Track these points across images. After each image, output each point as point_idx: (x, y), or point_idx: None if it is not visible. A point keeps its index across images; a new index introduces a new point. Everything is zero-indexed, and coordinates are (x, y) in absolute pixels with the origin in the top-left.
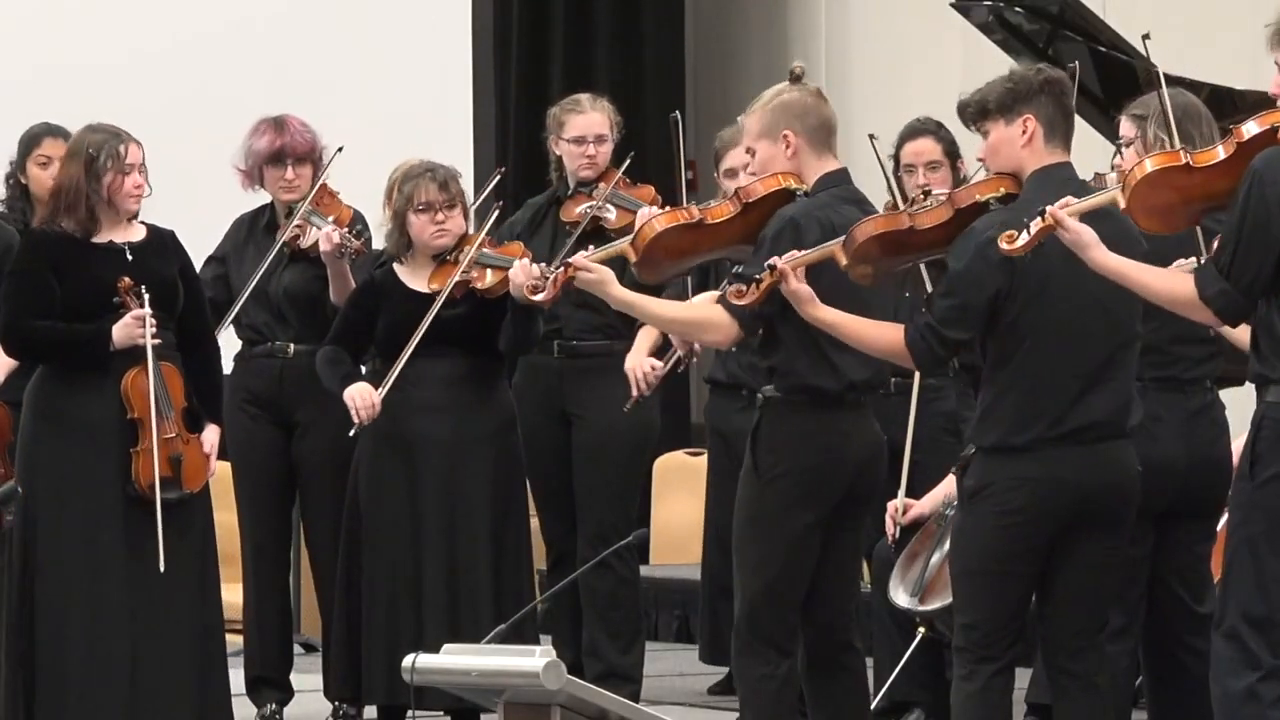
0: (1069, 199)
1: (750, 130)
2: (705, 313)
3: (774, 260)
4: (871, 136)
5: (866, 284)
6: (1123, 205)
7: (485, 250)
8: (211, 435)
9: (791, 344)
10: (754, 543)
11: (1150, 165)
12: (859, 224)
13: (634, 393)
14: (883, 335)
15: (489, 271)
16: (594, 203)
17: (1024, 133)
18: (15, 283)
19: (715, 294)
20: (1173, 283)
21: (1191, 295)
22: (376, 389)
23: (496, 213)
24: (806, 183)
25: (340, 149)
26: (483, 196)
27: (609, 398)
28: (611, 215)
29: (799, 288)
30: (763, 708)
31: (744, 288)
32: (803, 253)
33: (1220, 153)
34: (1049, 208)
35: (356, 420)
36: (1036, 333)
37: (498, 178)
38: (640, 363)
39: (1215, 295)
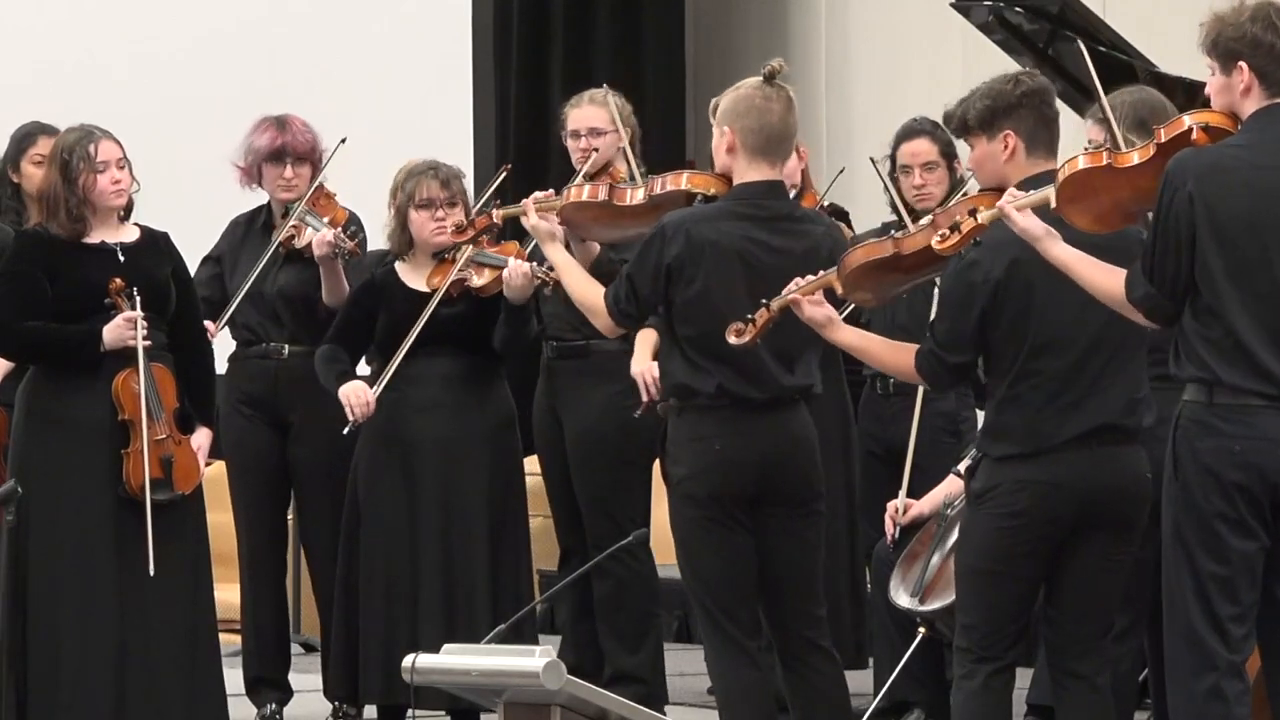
0: (1015, 192)
1: None
2: (595, 300)
3: (791, 297)
4: (873, 160)
5: (869, 306)
6: (1053, 204)
7: (482, 249)
8: (201, 438)
9: (666, 342)
10: (683, 551)
11: (1075, 166)
12: (847, 253)
13: (644, 398)
14: (901, 358)
15: (485, 270)
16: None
17: (1005, 148)
18: (6, 284)
19: None
20: (1112, 282)
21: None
22: (372, 387)
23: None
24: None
25: (343, 140)
26: (486, 195)
27: (588, 400)
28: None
29: (814, 312)
30: (736, 707)
31: (741, 326)
32: (799, 284)
33: (1136, 156)
34: (1000, 201)
35: (351, 418)
36: (1029, 344)
37: (504, 175)
38: (648, 368)
39: (1141, 298)
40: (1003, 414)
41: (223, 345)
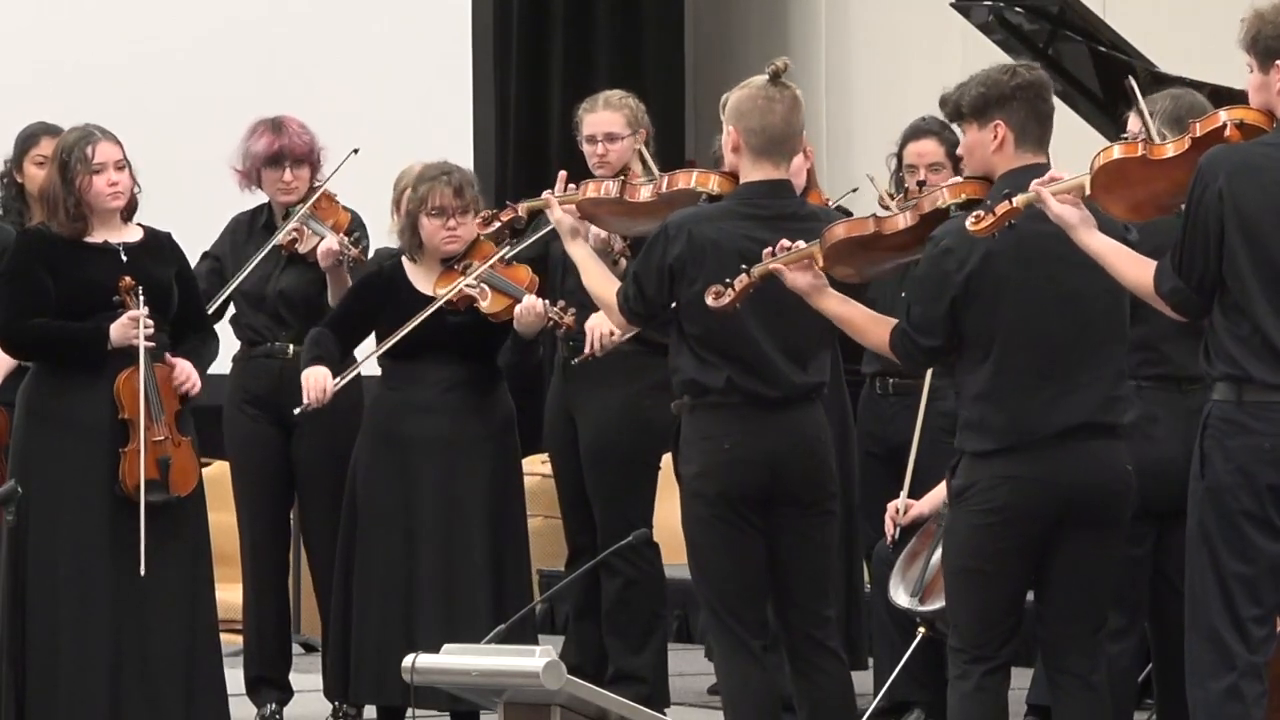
0: (1054, 174)
1: None
2: (610, 297)
3: (764, 264)
4: (870, 177)
5: (852, 282)
6: (1088, 191)
7: (496, 273)
8: (181, 362)
9: (675, 339)
10: (691, 549)
11: (1110, 155)
12: (829, 228)
13: (587, 350)
14: (881, 333)
15: (493, 294)
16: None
17: (995, 138)
18: (10, 282)
19: None
20: (1142, 273)
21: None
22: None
23: (507, 235)
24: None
25: (355, 150)
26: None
27: (603, 401)
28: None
29: (798, 279)
30: (740, 706)
31: (720, 289)
32: (782, 253)
33: (1171, 149)
34: (1034, 184)
35: (305, 400)
36: (997, 339)
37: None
38: (602, 323)
39: (1169, 292)
40: (979, 409)
41: (227, 345)
